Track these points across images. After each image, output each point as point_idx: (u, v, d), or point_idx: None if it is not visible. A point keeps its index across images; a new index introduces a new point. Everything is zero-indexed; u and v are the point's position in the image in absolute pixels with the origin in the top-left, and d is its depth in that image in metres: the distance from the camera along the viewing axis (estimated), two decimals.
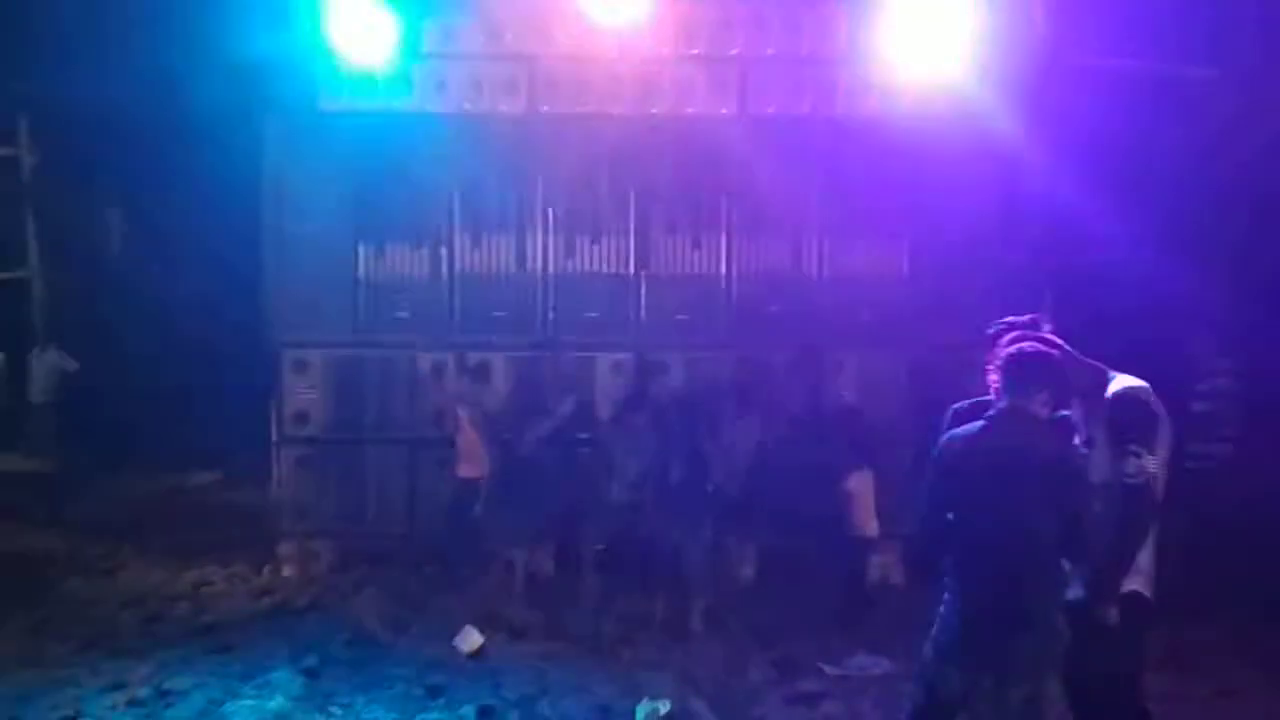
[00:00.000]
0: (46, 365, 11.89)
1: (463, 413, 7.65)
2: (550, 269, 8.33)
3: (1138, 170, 8.03)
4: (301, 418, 8.32)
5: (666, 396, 7.79)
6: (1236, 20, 8.18)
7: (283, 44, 7.86)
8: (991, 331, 4.09)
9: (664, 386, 8.00)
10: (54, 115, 12.33)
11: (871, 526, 7.26)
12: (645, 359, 8.17)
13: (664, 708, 5.52)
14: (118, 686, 5.88)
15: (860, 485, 7.25)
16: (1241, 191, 8.02)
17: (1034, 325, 4.06)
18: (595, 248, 8.35)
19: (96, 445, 11.63)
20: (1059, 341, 3.96)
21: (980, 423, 3.88)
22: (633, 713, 5.50)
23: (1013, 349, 3.89)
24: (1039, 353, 3.84)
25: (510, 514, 7.42)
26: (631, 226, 8.33)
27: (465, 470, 7.69)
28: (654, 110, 8.22)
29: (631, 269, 8.34)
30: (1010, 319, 4.10)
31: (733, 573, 7.88)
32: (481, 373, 7.86)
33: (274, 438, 8.38)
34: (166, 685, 5.90)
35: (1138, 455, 3.84)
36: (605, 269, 8.34)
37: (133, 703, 5.68)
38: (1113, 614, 3.87)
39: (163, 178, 11.91)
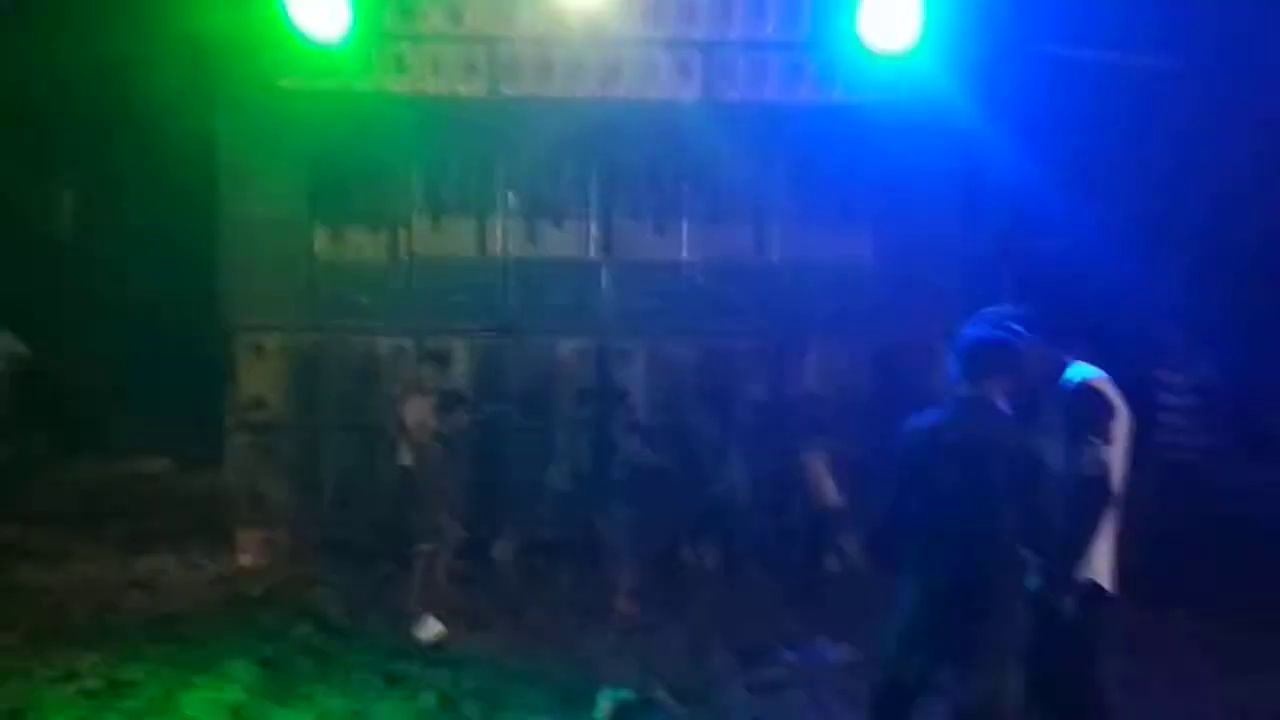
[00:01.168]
0: None
1: (416, 399, 7.48)
2: (511, 254, 8.25)
3: (1102, 159, 8.08)
4: (257, 403, 8.18)
5: (619, 385, 7.83)
6: (1195, 11, 8.24)
7: (239, 21, 7.70)
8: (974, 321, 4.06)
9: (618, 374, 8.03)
10: (3, 95, 12.04)
11: (833, 498, 7.34)
12: (603, 348, 8.16)
13: (626, 696, 5.51)
14: (69, 677, 5.76)
15: (818, 459, 7.34)
16: (1205, 182, 8.10)
17: (1017, 316, 4.05)
18: (557, 233, 8.28)
19: (47, 431, 11.41)
20: (1018, 329, 3.96)
21: (938, 410, 3.88)
22: (594, 701, 5.48)
23: (969, 335, 3.90)
24: (994, 339, 3.86)
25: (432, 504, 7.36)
26: (594, 211, 8.27)
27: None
28: (617, 94, 8.15)
29: (593, 254, 8.28)
30: (992, 309, 4.09)
31: (692, 560, 7.88)
32: (440, 358, 7.70)
33: (229, 423, 8.25)
34: (119, 676, 5.80)
35: (1093, 446, 3.88)
36: (567, 254, 8.28)
37: (85, 693, 5.58)
38: (1069, 603, 3.90)
39: (116, 159, 11.67)
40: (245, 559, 8.11)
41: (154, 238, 11.56)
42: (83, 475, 10.96)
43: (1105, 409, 3.94)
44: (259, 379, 8.16)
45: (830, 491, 7.35)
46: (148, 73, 9.25)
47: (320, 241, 8.14)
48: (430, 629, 6.54)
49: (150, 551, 8.25)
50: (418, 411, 7.25)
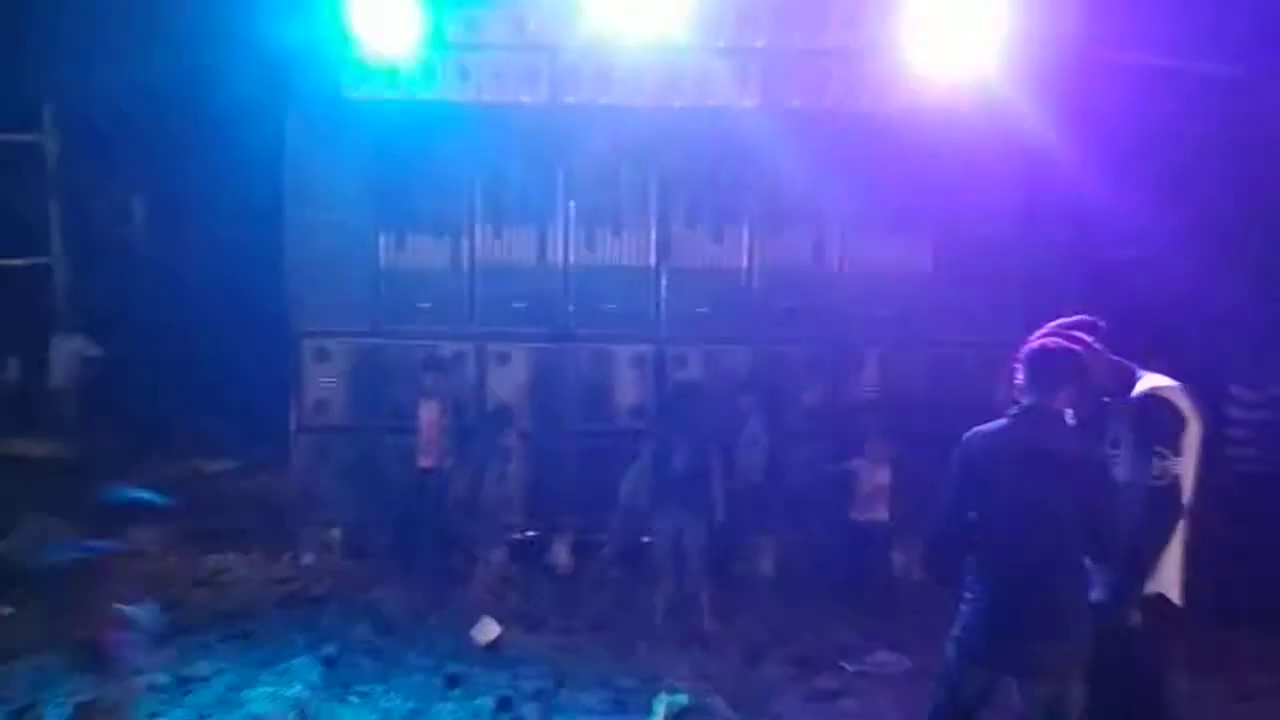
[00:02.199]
0: (69, 351, 11.95)
1: (426, 403, 7.58)
2: (571, 261, 8.31)
3: (1166, 168, 7.94)
4: (321, 406, 8.33)
5: (682, 390, 7.81)
6: (1257, 17, 8.07)
7: (307, 32, 7.86)
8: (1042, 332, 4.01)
9: (680, 380, 8.02)
10: (79, 102, 12.38)
11: (880, 511, 7.30)
12: (664, 354, 8.19)
13: (682, 701, 5.52)
14: (137, 672, 5.91)
15: (873, 469, 7.30)
16: (1272, 191, 7.91)
17: (1088, 326, 4.00)
18: (616, 240, 8.32)
19: (116, 431, 11.68)
20: (1085, 338, 3.91)
21: (1003, 420, 3.85)
22: (650, 706, 5.50)
23: (1035, 345, 3.86)
24: (1061, 349, 3.81)
25: (475, 513, 7.46)
26: (652, 219, 8.30)
27: (426, 461, 7.63)
28: (677, 102, 8.18)
29: (652, 262, 8.31)
30: (1063, 320, 4.04)
31: (749, 567, 7.86)
32: (439, 365, 7.81)
33: (293, 426, 8.40)
34: (186, 672, 5.95)
35: (1163, 457, 3.81)
36: (626, 261, 8.32)
37: (153, 688, 5.71)
38: (1135, 616, 3.84)
39: (186, 165, 11.94)
40: (307, 559, 8.25)
41: (222, 244, 11.84)
42: (150, 475, 11.18)
43: (1175, 419, 3.87)
44: (323, 383, 8.30)
45: (877, 503, 7.31)
46: (218, 83, 9.47)
47: (384, 248, 8.26)
48: (488, 631, 6.60)
49: (216, 550, 8.41)
50: (428, 414, 7.41)
